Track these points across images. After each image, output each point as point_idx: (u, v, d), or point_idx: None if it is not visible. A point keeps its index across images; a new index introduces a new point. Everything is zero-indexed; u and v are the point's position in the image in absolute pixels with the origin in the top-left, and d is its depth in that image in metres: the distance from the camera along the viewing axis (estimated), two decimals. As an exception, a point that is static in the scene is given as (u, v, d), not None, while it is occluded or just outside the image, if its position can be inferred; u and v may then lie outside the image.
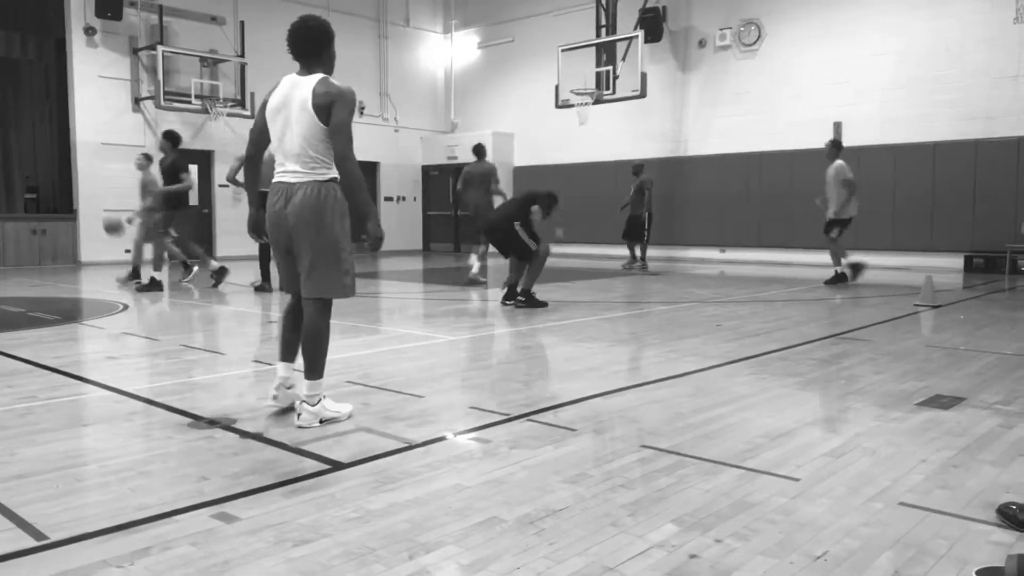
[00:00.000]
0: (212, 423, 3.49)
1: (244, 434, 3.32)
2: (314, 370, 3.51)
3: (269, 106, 3.53)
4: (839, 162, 10.29)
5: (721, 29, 15.70)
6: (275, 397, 3.73)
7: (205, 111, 15.66)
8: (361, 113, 18.85)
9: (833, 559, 2.11)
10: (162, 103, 14.93)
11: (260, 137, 3.66)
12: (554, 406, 3.81)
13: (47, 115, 15.59)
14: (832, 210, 10.25)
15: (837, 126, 14.26)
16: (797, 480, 2.74)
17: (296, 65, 3.55)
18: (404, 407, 3.82)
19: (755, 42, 15.31)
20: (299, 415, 3.48)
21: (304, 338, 3.56)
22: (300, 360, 3.61)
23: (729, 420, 3.58)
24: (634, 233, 13.37)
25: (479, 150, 10.67)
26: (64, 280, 11.50)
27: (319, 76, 3.43)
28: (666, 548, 2.18)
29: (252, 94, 16.14)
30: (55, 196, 15.56)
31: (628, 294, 9.72)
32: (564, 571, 2.04)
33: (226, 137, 16.16)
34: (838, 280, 10.32)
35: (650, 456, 3.02)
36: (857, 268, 10.40)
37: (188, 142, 16.00)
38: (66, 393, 4.16)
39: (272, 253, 3.77)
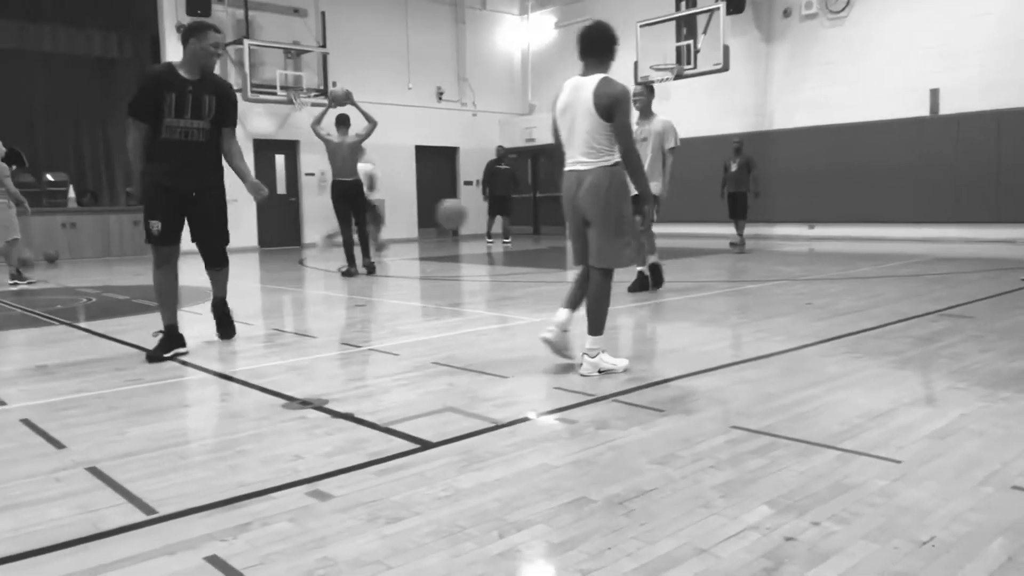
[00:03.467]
0: (304, 403, 3.59)
1: (335, 414, 3.40)
2: (596, 328, 4.06)
3: (557, 107, 4.10)
4: (667, 119, 7.38)
5: (807, -4, 15.10)
6: (549, 332, 4.16)
7: (289, 102, 16.07)
8: (440, 99, 19.01)
9: (941, 545, 2.01)
10: (249, 95, 15.39)
11: (557, 132, 4.20)
12: (640, 387, 3.76)
13: (143, 111, 16.29)
14: (656, 184, 7.23)
15: (934, 93, 13.56)
16: (899, 462, 2.62)
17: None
18: (489, 387, 3.84)
19: (843, 8, 14.66)
20: (580, 365, 4.05)
21: (589, 300, 4.11)
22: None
23: (823, 400, 3.47)
24: (739, 211, 13.06)
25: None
26: (163, 269, 12.02)
27: (600, 77, 3.93)
28: (761, 530, 2.12)
29: (334, 83, 16.46)
30: (153, 189, 16.28)
31: (713, 273, 9.51)
32: (655, 552, 2.01)
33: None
34: (649, 284, 7.50)
35: (741, 437, 2.95)
36: (657, 272, 7.65)
37: (274, 133, 16.52)
38: (168, 375, 4.35)
39: (568, 231, 4.27)
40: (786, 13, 15.50)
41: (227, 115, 5.00)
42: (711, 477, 2.53)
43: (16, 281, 9.53)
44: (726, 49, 14.28)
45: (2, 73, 14.67)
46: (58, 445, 3.04)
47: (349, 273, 9.74)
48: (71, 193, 14.97)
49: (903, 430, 2.99)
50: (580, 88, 3.96)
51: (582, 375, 3.99)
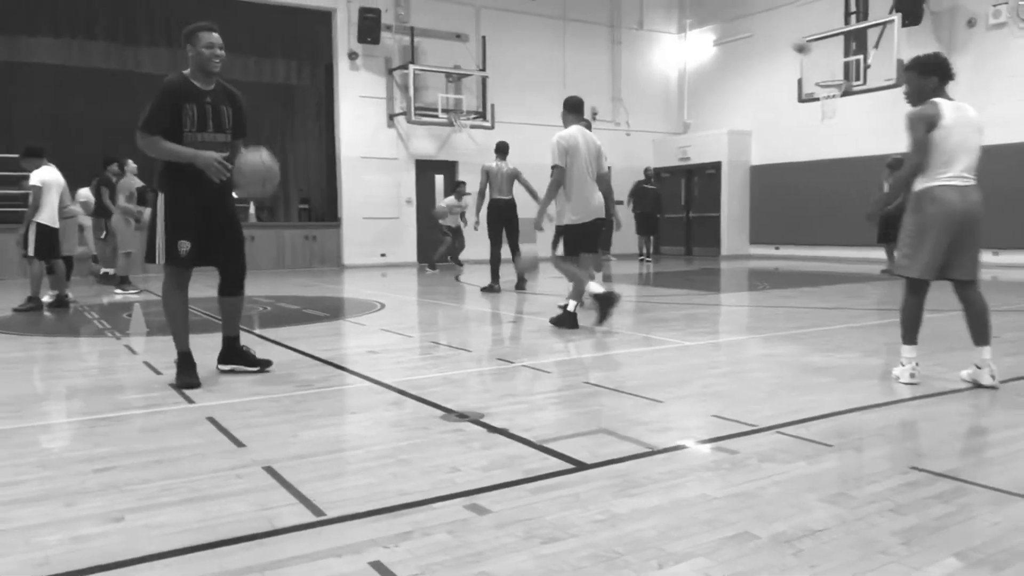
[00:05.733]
0: (462, 416, 3.67)
1: (492, 429, 3.45)
2: (988, 338, 4.26)
3: (944, 123, 4.16)
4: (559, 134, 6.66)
5: (995, 5, 13.97)
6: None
7: (450, 124, 16.65)
8: (594, 119, 19.06)
9: None
10: (412, 118, 16.09)
11: (928, 147, 4.28)
12: (805, 419, 3.57)
13: (317, 133, 17.42)
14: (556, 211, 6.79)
15: None
16: (1114, 521, 2.33)
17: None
18: (643, 411, 3.77)
19: (1039, 16, 13.43)
20: (992, 376, 4.18)
21: (980, 313, 4.30)
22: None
23: (1017, 445, 3.14)
24: (892, 234, 12.16)
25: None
26: (331, 281, 12.76)
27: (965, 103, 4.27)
28: (949, 585, 1.94)
29: (492, 106, 16.89)
30: (323, 206, 17.32)
31: (881, 300, 8.92)
32: (828, 598, 1.88)
33: (469, 148, 17.05)
34: (568, 321, 6.52)
35: (922, 480, 2.72)
36: (607, 300, 6.44)
37: (435, 154, 17.17)
38: (335, 383, 4.58)
39: (936, 243, 4.21)
40: (970, 23, 14.40)
41: (242, 126, 4.70)
42: (889, 521, 2.35)
43: (122, 290, 10.41)
44: (900, 64, 13.40)
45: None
46: (239, 443, 3.27)
47: (491, 289, 9.90)
48: (251, 209, 16.19)
49: (1118, 484, 2.65)
50: (963, 109, 4.26)
51: (990, 386, 4.15)
